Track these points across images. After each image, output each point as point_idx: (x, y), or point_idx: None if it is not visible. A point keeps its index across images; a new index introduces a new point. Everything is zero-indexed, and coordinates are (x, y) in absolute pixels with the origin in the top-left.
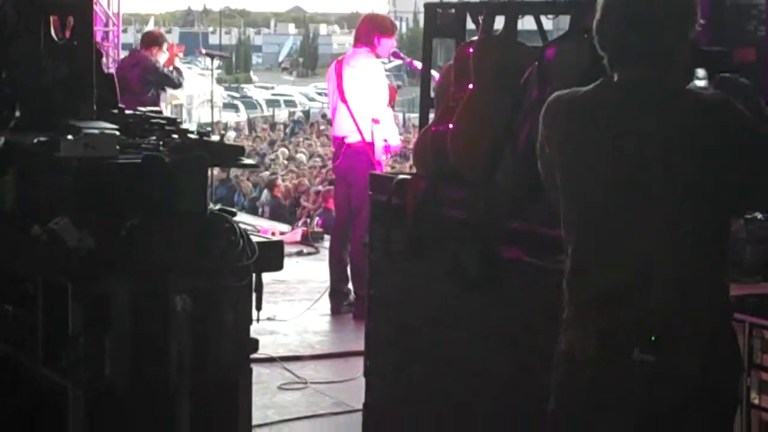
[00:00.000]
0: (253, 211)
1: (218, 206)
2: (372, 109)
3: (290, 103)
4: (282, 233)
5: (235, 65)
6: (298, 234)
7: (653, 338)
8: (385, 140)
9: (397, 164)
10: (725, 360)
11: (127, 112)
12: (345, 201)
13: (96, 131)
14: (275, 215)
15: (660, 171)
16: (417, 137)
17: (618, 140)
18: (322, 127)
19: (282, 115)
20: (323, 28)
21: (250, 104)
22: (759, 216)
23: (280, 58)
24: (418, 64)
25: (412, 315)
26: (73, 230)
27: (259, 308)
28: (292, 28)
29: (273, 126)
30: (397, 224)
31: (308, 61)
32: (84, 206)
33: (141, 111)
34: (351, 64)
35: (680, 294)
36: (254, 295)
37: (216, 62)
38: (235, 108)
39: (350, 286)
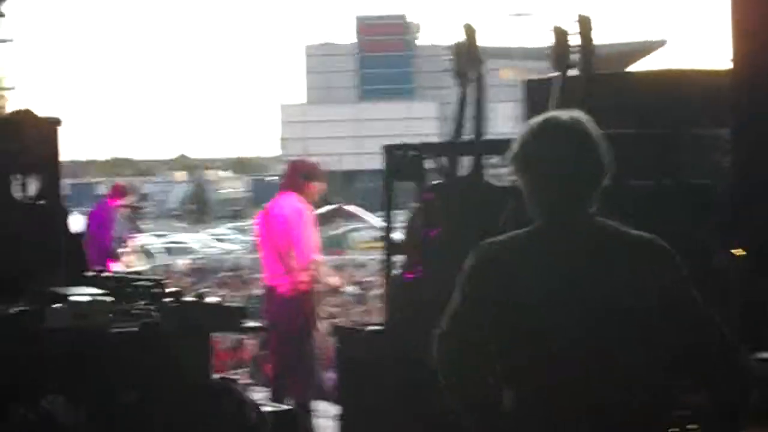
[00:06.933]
0: None
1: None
2: (304, 255)
3: (187, 251)
4: None
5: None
6: None
7: None
8: (322, 284)
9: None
10: None
11: (104, 274)
12: (278, 352)
13: (86, 298)
14: None
15: (596, 309)
16: (386, 284)
17: (554, 280)
18: (229, 274)
19: (181, 263)
20: (212, 174)
21: (147, 253)
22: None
23: (171, 205)
24: (351, 209)
25: None
26: (70, 409)
27: None
28: (181, 175)
29: (173, 275)
30: (370, 380)
31: (200, 207)
32: (75, 381)
33: (119, 272)
34: (280, 210)
35: None
36: None
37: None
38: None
39: None
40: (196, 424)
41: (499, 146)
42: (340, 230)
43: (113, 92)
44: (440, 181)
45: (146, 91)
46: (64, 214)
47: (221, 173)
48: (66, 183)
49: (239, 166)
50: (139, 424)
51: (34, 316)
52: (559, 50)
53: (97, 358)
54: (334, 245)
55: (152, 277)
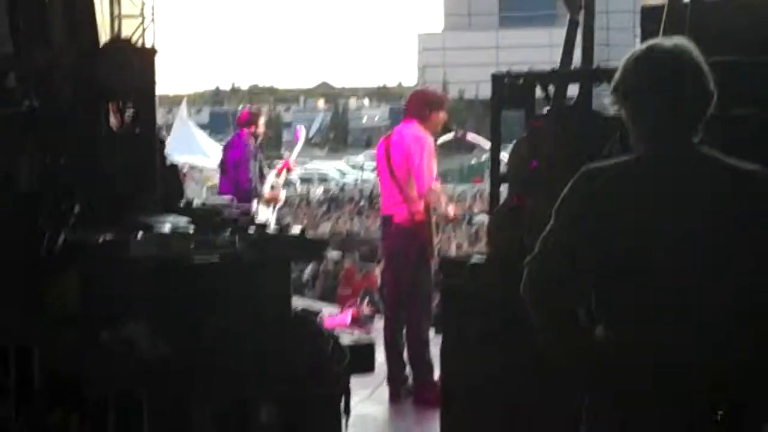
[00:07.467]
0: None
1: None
2: (423, 185)
3: (324, 179)
4: (331, 315)
5: (266, 142)
6: (347, 316)
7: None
8: (439, 214)
9: None
10: None
11: (195, 204)
12: (394, 282)
13: (168, 229)
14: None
15: (700, 240)
16: (491, 216)
17: (657, 210)
18: (362, 203)
19: (316, 191)
20: (352, 103)
21: (284, 182)
22: None
23: (311, 134)
24: (472, 137)
25: (489, 405)
26: (148, 336)
27: (347, 412)
28: (321, 103)
29: (308, 203)
30: (471, 311)
31: (339, 135)
32: (158, 310)
33: (210, 203)
34: (401, 139)
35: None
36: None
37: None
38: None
39: (408, 370)
40: (273, 354)
41: (608, 74)
42: (482, 158)
43: (257, 21)
44: (547, 110)
45: (289, 19)
46: (159, 144)
47: (361, 102)
48: (206, 111)
49: (379, 94)
50: (218, 353)
51: (120, 246)
52: None
53: (178, 287)
54: (475, 174)
55: (243, 208)
